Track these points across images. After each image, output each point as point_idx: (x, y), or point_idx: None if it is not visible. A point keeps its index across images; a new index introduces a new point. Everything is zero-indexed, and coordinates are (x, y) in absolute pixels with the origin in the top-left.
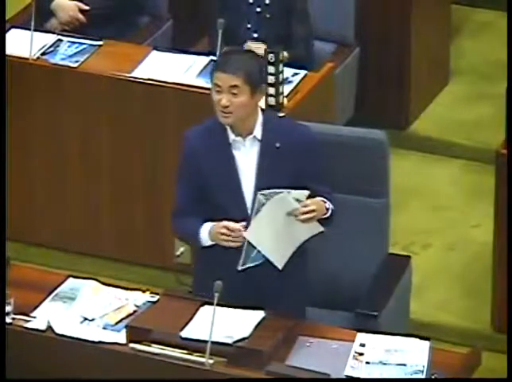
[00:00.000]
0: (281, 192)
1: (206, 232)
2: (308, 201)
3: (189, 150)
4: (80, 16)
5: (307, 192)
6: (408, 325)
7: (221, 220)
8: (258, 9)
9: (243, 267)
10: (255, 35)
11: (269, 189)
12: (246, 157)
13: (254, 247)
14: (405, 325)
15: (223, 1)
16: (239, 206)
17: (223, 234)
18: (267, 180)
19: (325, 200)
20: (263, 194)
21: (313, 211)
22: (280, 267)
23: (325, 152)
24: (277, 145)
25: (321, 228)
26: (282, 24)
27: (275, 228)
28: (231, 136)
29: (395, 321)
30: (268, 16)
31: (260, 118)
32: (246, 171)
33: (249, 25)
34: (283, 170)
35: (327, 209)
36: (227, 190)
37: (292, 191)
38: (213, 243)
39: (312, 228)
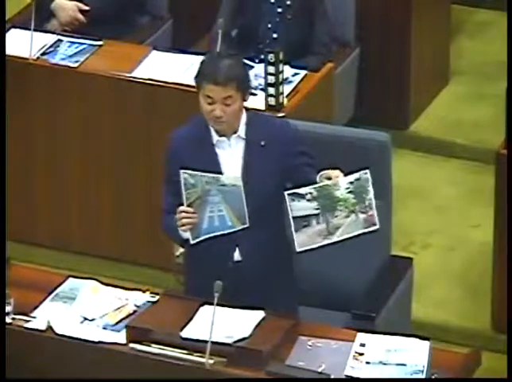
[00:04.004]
0: (208, 176)
1: None
2: (335, 173)
3: (173, 150)
4: (80, 16)
5: (239, 176)
6: (409, 326)
7: None
8: (280, 10)
9: (195, 241)
10: (275, 35)
11: (257, 187)
12: (231, 156)
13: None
14: (406, 327)
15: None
16: None
17: (176, 220)
18: (255, 178)
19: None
20: (188, 173)
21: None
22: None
23: (327, 152)
24: (262, 143)
25: None
26: (303, 27)
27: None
28: (215, 137)
29: (395, 322)
30: (289, 17)
31: (244, 116)
32: (232, 171)
33: (269, 25)
34: (270, 168)
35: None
36: None
37: (223, 175)
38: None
39: None
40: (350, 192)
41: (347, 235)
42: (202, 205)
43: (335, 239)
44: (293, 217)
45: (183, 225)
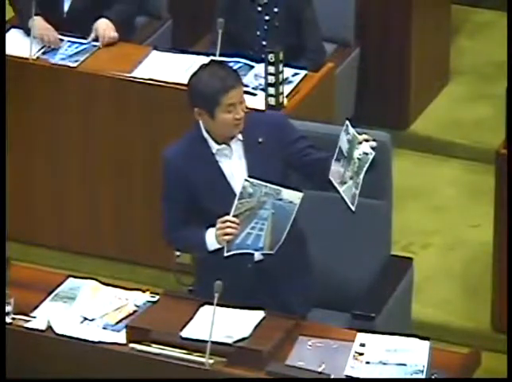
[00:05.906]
0: (270, 187)
1: (212, 236)
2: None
3: (174, 171)
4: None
5: (300, 195)
6: (409, 326)
7: None
8: (267, 17)
9: (229, 254)
10: (264, 43)
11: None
12: (234, 161)
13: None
14: (406, 327)
15: (232, 7)
16: None
17: (218, 228)
18: (261, 176)
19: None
20: (250, 182)
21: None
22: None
23: (327, 152)
24: (260, 140)
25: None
26: (292, 33)
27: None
28: (215, 146)
29: (395, 322)
30: (277, 24)
31: None
32: (237, 174)
33: (258, 33)
34: (273, 162)
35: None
36: (221, 200)
37: (285, 190)
38: (218, 246)
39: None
40: (358, 159)
41: (345, 197)
42: (248, 218)
43: (341, 190)
44: (339, 147)
45: (225, 235)
